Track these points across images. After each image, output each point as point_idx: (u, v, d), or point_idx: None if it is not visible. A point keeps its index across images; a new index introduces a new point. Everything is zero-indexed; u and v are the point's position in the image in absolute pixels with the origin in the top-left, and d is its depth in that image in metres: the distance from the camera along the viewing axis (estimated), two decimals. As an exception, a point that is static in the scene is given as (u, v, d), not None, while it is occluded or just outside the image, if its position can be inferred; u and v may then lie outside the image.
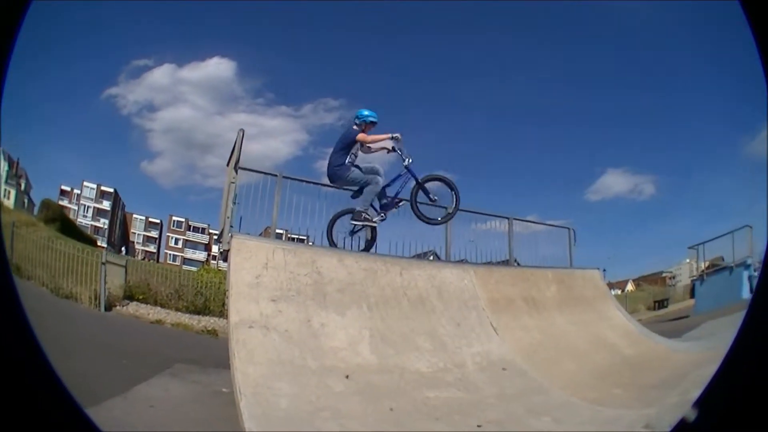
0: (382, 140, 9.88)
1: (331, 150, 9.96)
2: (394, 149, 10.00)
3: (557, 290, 12.04)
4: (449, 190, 10.25)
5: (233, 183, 9.20)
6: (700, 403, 2.86)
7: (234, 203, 9.15)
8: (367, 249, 10.35)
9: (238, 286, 7.14)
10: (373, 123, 9.99)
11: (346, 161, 9.73)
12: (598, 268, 14.28)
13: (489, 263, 12.90)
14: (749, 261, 19.59)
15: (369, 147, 10.09)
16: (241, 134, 9.49)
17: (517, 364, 8.50)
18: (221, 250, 8.86)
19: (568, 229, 15.31)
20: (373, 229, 10.35)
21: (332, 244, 10.21)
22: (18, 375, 2.72)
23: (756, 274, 19.25)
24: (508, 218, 13.89)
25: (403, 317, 8.40)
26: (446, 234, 12.14)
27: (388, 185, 10.16)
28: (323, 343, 7.05)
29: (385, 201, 10.19)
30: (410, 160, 10.02)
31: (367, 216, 9.88)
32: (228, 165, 9.66)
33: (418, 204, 10.15)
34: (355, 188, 10.03)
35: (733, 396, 2.67)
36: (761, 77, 2.68)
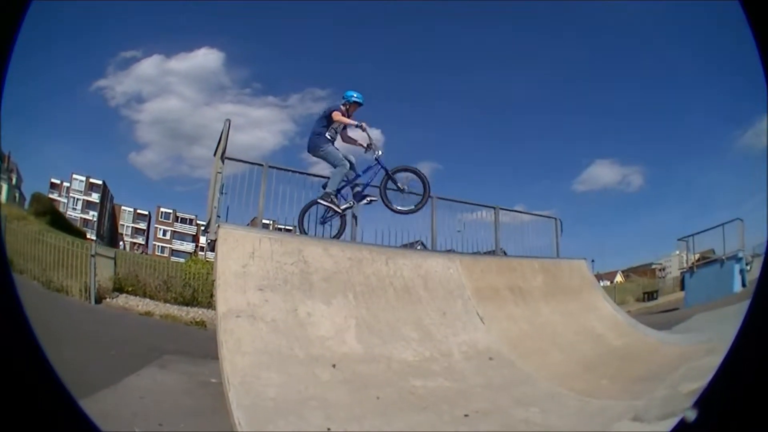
0: (348, 123, 10.10)
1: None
2: (370, 146, 10.25)
3: (543, 280, 12.08)
4: (419, 180, 10.40)
5: (220, 173, 9.21)
6: (700, 402, 2.84)
7: (221, 193, 9.18)
8: (336, 237, 10.49)
9: (225, 276, 7.13)
10: (357, 104, 10.27)
11: (325, 134, 10.06)
12: (585, 259, 14.37)
13: (476, 253, 12.90)
14: (741, 254, 19.64)
15: (350, 137, 10.51)
16: (227, 124, 9.51)
17: (504, 353, 8.52)
18: (208, 240, 8.88)
19: (555, 219, 15.38)
20: (343, 218, 10.60)
21: (302, 231, 10.40)
22: (18, 374, 2.75)
23: (748, 267, 19.39)
24: (494, 208, 13.92)
25: (389, 307, 8.44)
26: (432, 224, 12.14)
27: (359, 176, 10.44)
28: (310, 333, 7.05)
29: (357, 190, 10.48)
30: (380, 152, 10.24)
31: (333, 200, 10.16)
32: (215, 155, 9.67)
33: (387, 194, 10.36)
34: (327, 163, 10.29)
35: (733, 395, 2.68)
36: (761, 77, 2.71)
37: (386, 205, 10.31)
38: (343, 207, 10.29)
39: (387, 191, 10.31)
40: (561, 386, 7.58)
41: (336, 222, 10.62)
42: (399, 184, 10.22)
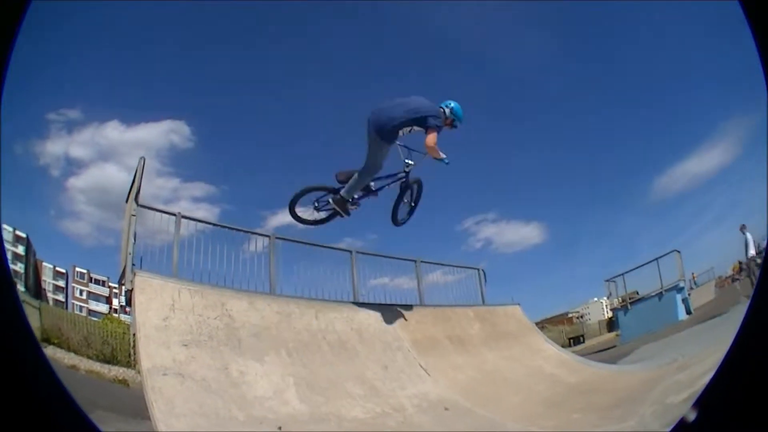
0: (436, 154, 9.33)
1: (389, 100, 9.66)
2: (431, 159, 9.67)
3: (481, 327, 12.11)
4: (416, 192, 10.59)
5: (134, 216, 8.64)
6: (700, 402, 2.90)
7: (135, 239, 8.52)
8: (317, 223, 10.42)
9: (145, 329, 6.65)
10: (455, 126, 9.80)
11: (398, 132, 9.36)
12: (519, 304, 14.55)
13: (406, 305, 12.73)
14: (681, 284, 20.37)
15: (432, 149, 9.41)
16: (142, 162, 9.02)
17: (459, 402, 8.27)
18: (125, 290, 8.27)
19: (478, 269, 15.66)
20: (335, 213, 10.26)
21: (297, 218, 10.18)
22: (18, 375, 2.78)
23: (689, 296, 20.29)
24: (414, 261, 13.95)
25: (326, 363, 8.15)
26: (353, 277, 12.01)
27: (380, 178, 10.09)
28: (246, 393, 6.62)
29: (368, 189, 10.17)
30: (412, 164, 10.01)
31: (344, 207, 9.90)
32: (127, 197, 9.10)
33: (398, 208, 10.48)
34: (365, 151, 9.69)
35: (733, 395, 2.70)
36: (761, 77, 2.68)
37: (395, 216, 10.41)
38: (349, 211, 10.07)
39: (400, 207, 10.49)
40: (532, 426, 7.37)
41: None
42: (406, 198, 10.37)
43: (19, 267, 73.93)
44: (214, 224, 10.52)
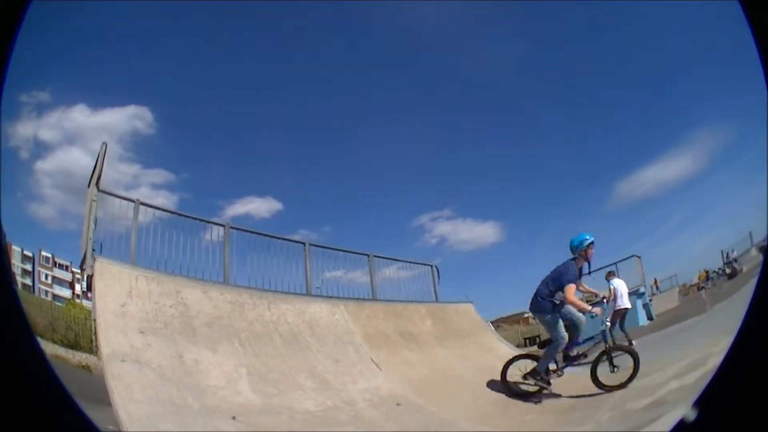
0: (583, 308, 9.48)
1: None
2: (604, 300, 10.28)
3: (433, 324, 12.23)
4: (631, 359, 9.74)
5: (95, 201, 8.66)
6: (700, 402, 2.83)
7: (95, 225, 8.58)
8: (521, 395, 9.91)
9: (105, 315, 6.72)
10: (591, 244, 9.74)
11: (555, 298, 9.48)
12: (472, 302, 14.67)
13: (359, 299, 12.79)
14: (642, 289, 20.44)
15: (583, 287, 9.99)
16: (104, 148, 9.07)
17: (411, 398, 8.39)
18: (86, 275, 8.30)
19: (431, 266, 15.74)
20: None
21: (507, 389, 9.82)
22: (18, 375, 2.78)
23: (650, 301, 20.31)
24: (368, 255, 14.08)
25: (278, 354, 8.23)
26: (306, 270, 12.09)
27: (578, 343, 9.97)
28: (200, 381, 6.69)
29: (568, 358, 9.98)
30: (608, 325, 9.85)
31: (543, 377, 9.57)
32: (89, 183, 9.07)
33: (597, 368, 9.76)
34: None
35: (733, 395, 2.68)
36: (761, 77, 2.68)
37: (597, 385, 9.54)
38: (551, 383, 9.68)
39: (598, 366, 9.81)
40: (485, 425, 7.48)
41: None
42: (614, 364, 9.78)
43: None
44: (172, 212, 10.65)
